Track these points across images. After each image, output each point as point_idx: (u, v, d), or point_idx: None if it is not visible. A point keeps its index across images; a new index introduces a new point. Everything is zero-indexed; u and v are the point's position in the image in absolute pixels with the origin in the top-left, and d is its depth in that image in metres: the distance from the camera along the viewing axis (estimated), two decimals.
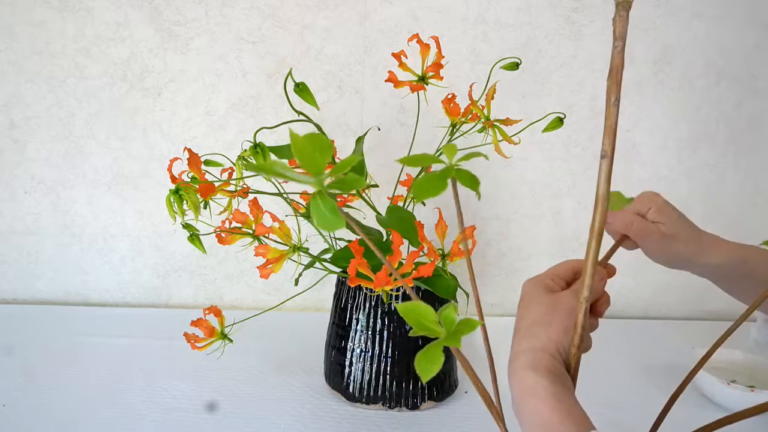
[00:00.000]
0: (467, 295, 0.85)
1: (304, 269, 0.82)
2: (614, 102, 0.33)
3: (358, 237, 0.81)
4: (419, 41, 0.79)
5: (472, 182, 0.33)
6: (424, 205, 0.93)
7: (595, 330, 0.52)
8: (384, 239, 0.85)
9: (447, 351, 0.86)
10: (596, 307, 0.51)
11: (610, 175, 0.35)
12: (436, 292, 0.77)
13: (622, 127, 1.16)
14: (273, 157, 0.69)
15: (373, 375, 0.82)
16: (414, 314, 0.35)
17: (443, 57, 0.80)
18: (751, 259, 0.58)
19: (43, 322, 1.11)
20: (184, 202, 0.67)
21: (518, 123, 0.81)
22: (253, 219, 0.75)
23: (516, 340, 0.45)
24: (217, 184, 0.73)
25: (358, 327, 0.83)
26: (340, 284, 0.86)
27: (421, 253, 0.71)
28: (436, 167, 0.34)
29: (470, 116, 0.83)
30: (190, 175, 0.73)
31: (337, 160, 0.82)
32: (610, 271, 0.52)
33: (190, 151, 0.72)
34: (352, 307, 0.84)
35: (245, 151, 0.68)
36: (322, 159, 0.28)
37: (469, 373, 0.42)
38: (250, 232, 0.76)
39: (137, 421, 0.79)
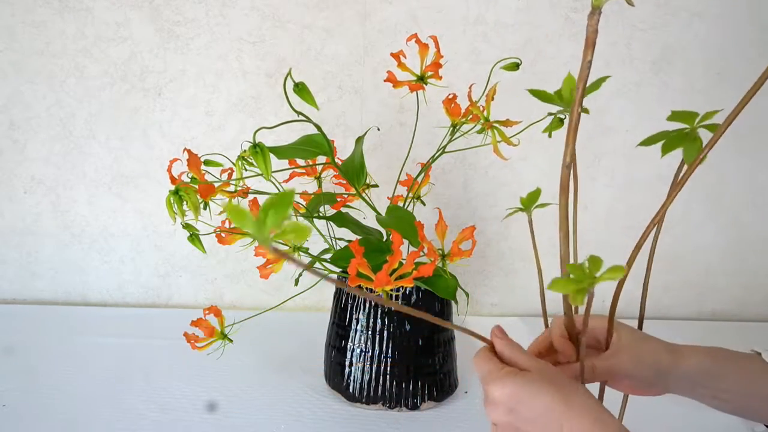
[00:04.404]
0: (467, 295, 0.85)
1: (304, 269, 0.82)
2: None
3: (358, 237, 0.81)
4: (418, 41, 0.79)
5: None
6: (424, 205, 0.93)
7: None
8: (384, 239, 0.85)
9: (448, 352, 0.86)
10: None
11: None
12: (436, 292, 0.77)
13: (622, 127, 1.16)
14: (273, 157, 0.69)
15: (373, 375, 0.82)
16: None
17: (442, 57, 0.79)
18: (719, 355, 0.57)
19: (43, 322, 1.11)
20: (184, 202, 0.67)
21: (518, 124, 0.81)
22: None
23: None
24: (216, 185, 0.73)
25: (358, 327, 0.83)
26: None
27: (421, 253, 0.71)
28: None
29: (471, 116, 0.83)
30: (189, 175, 0.73)
31: (337, 161, 0.82)
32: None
33: (189, 151, 0.72)
34: (352, 307, 0.84)
35: (245, 151, 0.68)
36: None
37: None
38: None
39: (137, 421, 0.79)
